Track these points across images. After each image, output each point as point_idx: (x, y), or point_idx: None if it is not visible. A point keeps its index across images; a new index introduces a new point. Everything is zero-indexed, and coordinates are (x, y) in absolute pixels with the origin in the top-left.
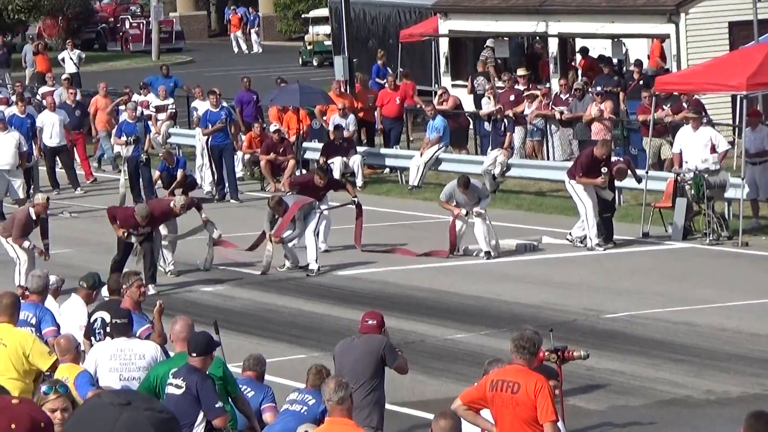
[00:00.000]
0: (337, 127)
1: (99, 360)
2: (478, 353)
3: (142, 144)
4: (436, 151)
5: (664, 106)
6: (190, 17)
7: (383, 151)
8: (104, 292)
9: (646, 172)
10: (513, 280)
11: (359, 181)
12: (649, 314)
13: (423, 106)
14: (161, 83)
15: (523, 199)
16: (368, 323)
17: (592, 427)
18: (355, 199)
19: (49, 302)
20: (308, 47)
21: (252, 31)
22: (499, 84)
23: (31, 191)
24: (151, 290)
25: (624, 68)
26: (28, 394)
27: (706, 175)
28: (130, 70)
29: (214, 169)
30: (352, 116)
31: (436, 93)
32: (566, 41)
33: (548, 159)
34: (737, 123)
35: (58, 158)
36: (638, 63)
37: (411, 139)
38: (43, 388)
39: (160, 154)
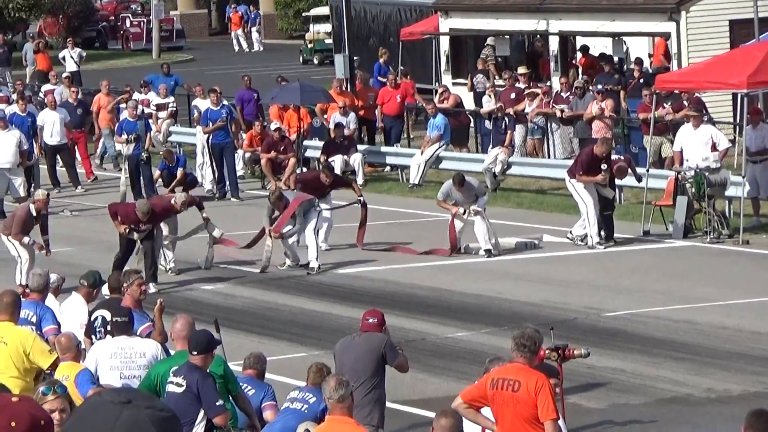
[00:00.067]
0: (338, 126)
1: (99, 358)
2: (478, 351)
3: (142, 142)
4: (436, 150)
5: (664, 105)
6: (191, 15)
7: (384, 149)
8: (105, 290)
9: (647, 171)
10: (513, 278)
11: (360, 180)
12: (649, 312)
13: (424, 105)
14: (162, 81)
15: (524, 197)
16: (369, 321)
17: (593, 425)
18: (361, 198)
19: (50, 300)
20: (309, 45)
21: (253, 29)
22: (499, 82)
23: (32, 190)
24: (152, 288)
25: (625, 66)
26: (28, 393)
27: (706, 174)
28: (131, 68)
29: (214, 167)
30: (352, 114)
31: (436, 91)
32: (567, 39)
33: (549, 157)
34: (738, 121)
35: (58, 157)
36: (639, 61)
37: (411, 137)
38: (42, 388)
39: (161, 153)
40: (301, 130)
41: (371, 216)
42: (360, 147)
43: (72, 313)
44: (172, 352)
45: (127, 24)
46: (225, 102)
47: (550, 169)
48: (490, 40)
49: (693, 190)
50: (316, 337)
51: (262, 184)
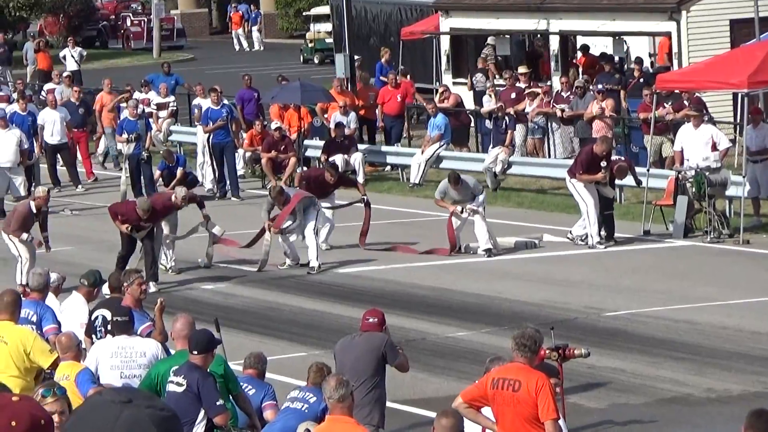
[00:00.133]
0: (338, 125)
1: (100, 358)
2: (479, 351)
3: (143, 141)
4: (437, 149)
5: (665, 104)
6: (192, 15)
7: (384, 148)
8: (105, 289)
9: (647, 170)
10: (514, 277)
11: (360, 179)
12: (650, 312)
13: (424, 104)
14: (162, 81)
15: (524, 196)
16: (369, 321)
17: (593, 425)
18: (365, 198)
19: (50, 300)
20: (309, 45)
21: (253, 28)
22: (499, 81)
23: (32, 189)
24: (152, 288)
25: (625, 66)
26: (28, 392)
27: (707, 173)
28: (132, 67)
29: (215, 166)
30: (353, 114)
31: (437, 91)
32: (567, 39)
33: (549, 157)
34: (738, 121)
35: (59, 156)
36: (639, 61)
37: (412, 136)
38: (42, 390)
39: (161, 153)
40: (302, 129)
41: (371, 215)
42: (360, 146)
43: (72, 312)
44: (172, 352)
45: (128, 23)
46: (225, 101)
47: (550, 168)
48: (490, 40)
49: (693, 189)
50: (317, 336)
51: (262, 184)
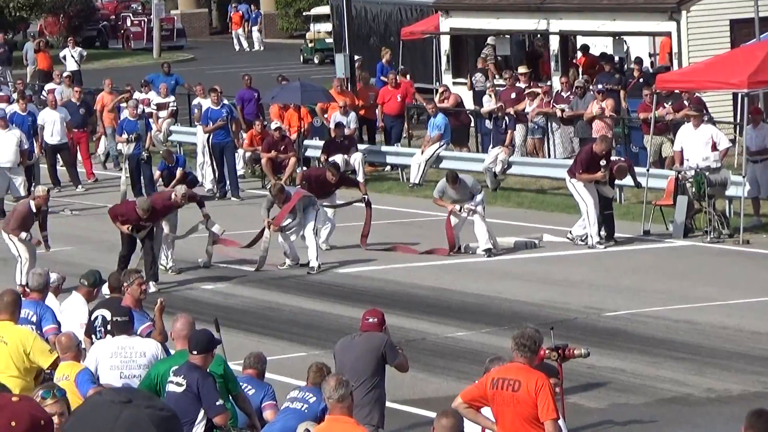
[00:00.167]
0: (338, 125)
1: (100, 358)
2: (479, 351)
3: (143, 142)
4: (437, 149)
5: (665, 104)
6: (192, 15)
7: (384, 148)
8: (105, 289)
9: (647, 170)
10: (514, 277)
11: (360, 179)
12: (649, 312)
13: (425, 104)
14: (162, 81)
15: (524, 196)
16: (369, 321)
17: (593, 425)
18: (366, 197)
19: (50, 300)
20: (309, 45)
21: (253, 28)
22: (499, 81)
23: (32, 189)
24: (152, 288)
25: (625, 66)
26: (28, 392)
27: (707, 173)
28: (132, 67)
29: (215, 166)
30: (353, 114)
31: (437, 91)
32: (567, 39)
33: (549, 157)
34: (738, 121)
35: (59, 156)
36: (638, 60)
37: (412, 136)
38: (41, 392)
39: (161, 153)
40: (302, 129)
41: (372, 215)
42: (360, 146)
43: (72, 312)
44: (172, 352)
45: (128, 23)
46: (225, 101)
47: (550, 168)
48: (490, 40)
49: (693, 189)
50: (316, 336)
51: (262, 184)
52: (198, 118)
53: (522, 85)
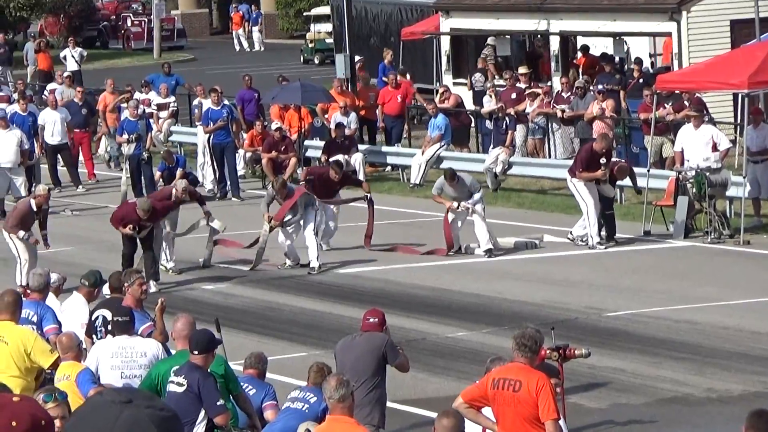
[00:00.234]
0: (339, 125)
1: (100, 358)
2: (479, 351)
3: (143, 142)
4: (437, 150)
5: (665, 105)
6: (192, 15)
7: (385, 149)
8: (106, 289)
9: (648, 171)
10: (514, 278)
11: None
12: (650, 312)
13: (425, 104)
14: (163, 81)
15: (525, 197)
16: (369, 321)
17: (594, 425)
18: (368, 195)
19: (51, 300)
20: (310, 45)
21: (254, 28)
22: (499, 82)
23: (33, 189)
24: (153, 288)
25: (625, 66)
26: (29, 392)
27: (707, 174)
28: (132, 68)
29: (215, 167)
30: (353, 114)
31: (437, 91)
32: (568, 39)
33: (550, 157)
34: (739, 121)
35: (59, 156)
36: (638, 61)
37: (412, 135)
38: (43, 395)
39: (161, 153)
40: (302, 129)
41: (374, 214)
42: (361, 147)
43: (73, 312)
44: (172, 352)
45: (128, 23)
46: (226, 102)
47: (550, 169)
48: (490, 40)
49: (694, 190)
50: (317, 336)
51: (262, 184)
52: (198, 119)
53: (522, 85)
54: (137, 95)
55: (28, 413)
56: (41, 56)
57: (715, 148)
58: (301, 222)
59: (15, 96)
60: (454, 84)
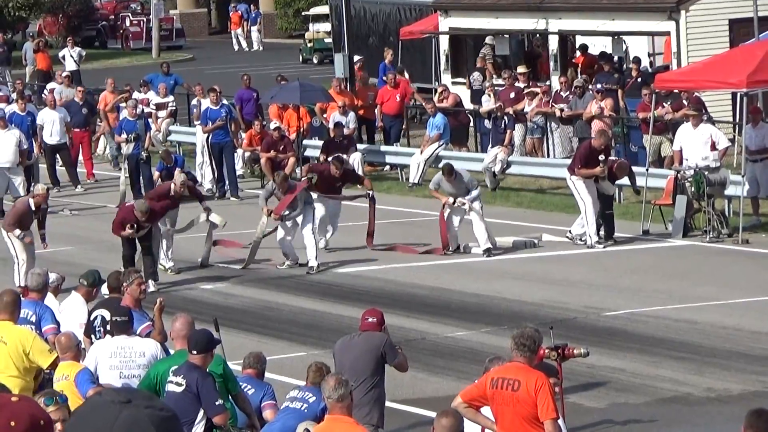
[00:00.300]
0: (338, 125)
1: (99, 358)
2: (478, 351)
3: (142, 141)
4: (436, 149)
5: (664, 104)
6: (191, 15)
7: (383, 148)
8: (104, 289)
9: (647, 170)
10: (513, 277)
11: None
12: (649, 312)
13: (424, 104)
14: (161, 81)
15: (524, 196)
16: (368, 321)
17: (593, 424)
18: (370, 192)
19: (49, 300)
20: (308, 45)
21: (252, 28)
22: (497, 81)
23: (32, 189)
24: (152, 287)
25: (624, 66)
26: (28, 392)
27: (706, 173)
28: (131, 67)
29: (214, 166)
30: (352, 114)
31: (436, 90)
32: (566, 38)
33: (548, 156)
34: (737, 120)
35: (58, 156)
36: (637, 60)
37: (410, 135)
38: (44, 399)
39: (160, 153)
40: (301, 129)
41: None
42: (359, 146)
43: (71, 312)
44: (171, 352)
45: (127, 23)
46: (224, 101)
47: (549, 168)
48: (489, 39)
49: (692, 189)
50: (316, 336)
51: (261, 184)
52: (197, 118)
53: (521, 84)
54: (136, 95)
55: (27, 413)
56: (40, 56)
57: (713, 147)
58: (299, 220)
59: (14, 96)
60: (453, 83)
